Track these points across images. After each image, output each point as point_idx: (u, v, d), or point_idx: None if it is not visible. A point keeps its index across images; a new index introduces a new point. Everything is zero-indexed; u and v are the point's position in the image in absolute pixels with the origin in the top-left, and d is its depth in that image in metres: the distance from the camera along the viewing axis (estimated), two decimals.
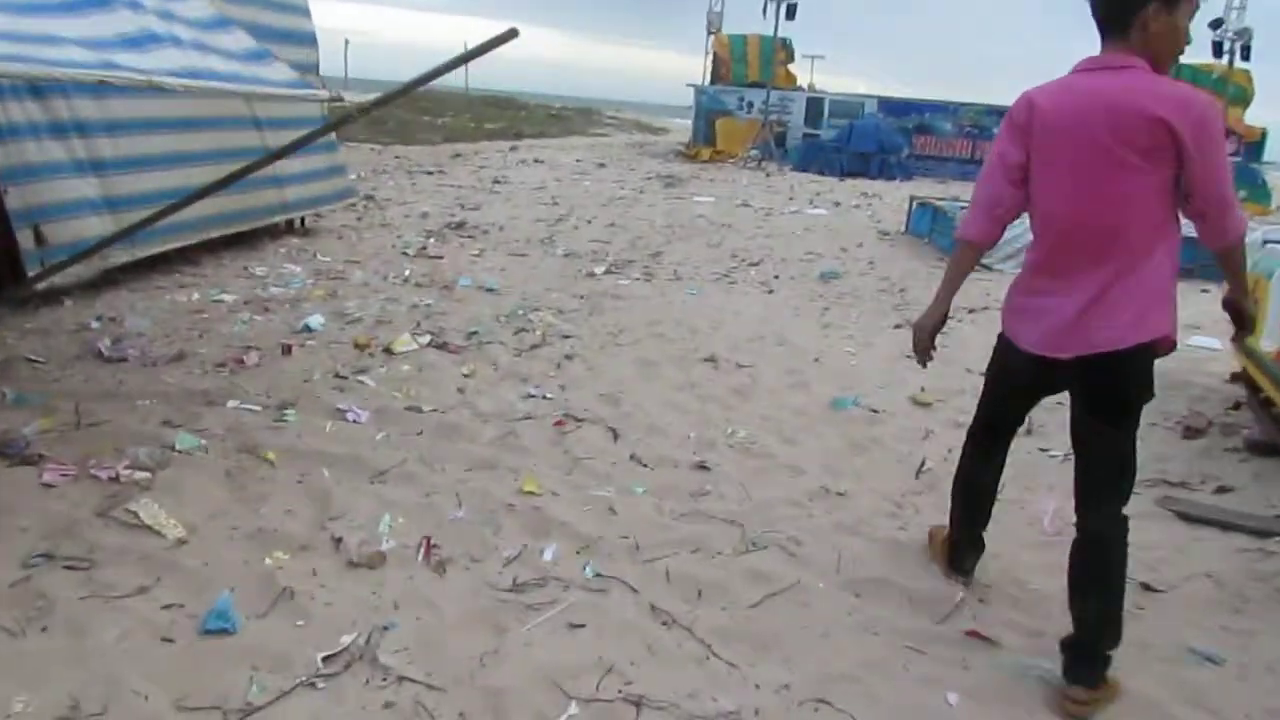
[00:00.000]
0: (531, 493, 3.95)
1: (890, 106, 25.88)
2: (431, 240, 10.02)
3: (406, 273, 8.03)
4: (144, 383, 4.89)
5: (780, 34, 25.04)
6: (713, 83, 28.14)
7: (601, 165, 20.97)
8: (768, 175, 21.62)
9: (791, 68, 27.87)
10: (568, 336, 6.42)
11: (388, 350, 5.75)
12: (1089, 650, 2.81)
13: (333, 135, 10.11)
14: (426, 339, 6.04)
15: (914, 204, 13.28)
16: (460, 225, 11.15)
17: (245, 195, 8.08)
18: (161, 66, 3.84)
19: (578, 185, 16.40)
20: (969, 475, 3.37)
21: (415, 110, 40.60)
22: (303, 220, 9.94)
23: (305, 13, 9.44)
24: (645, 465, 4.37)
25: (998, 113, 25.58)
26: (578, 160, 21.74)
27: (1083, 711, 2.75)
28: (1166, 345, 2.73)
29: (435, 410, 4.80)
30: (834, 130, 24.60)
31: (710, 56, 28.97)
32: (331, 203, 9.97)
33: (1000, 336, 3.08)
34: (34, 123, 6.26)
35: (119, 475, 3.70)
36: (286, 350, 5.60)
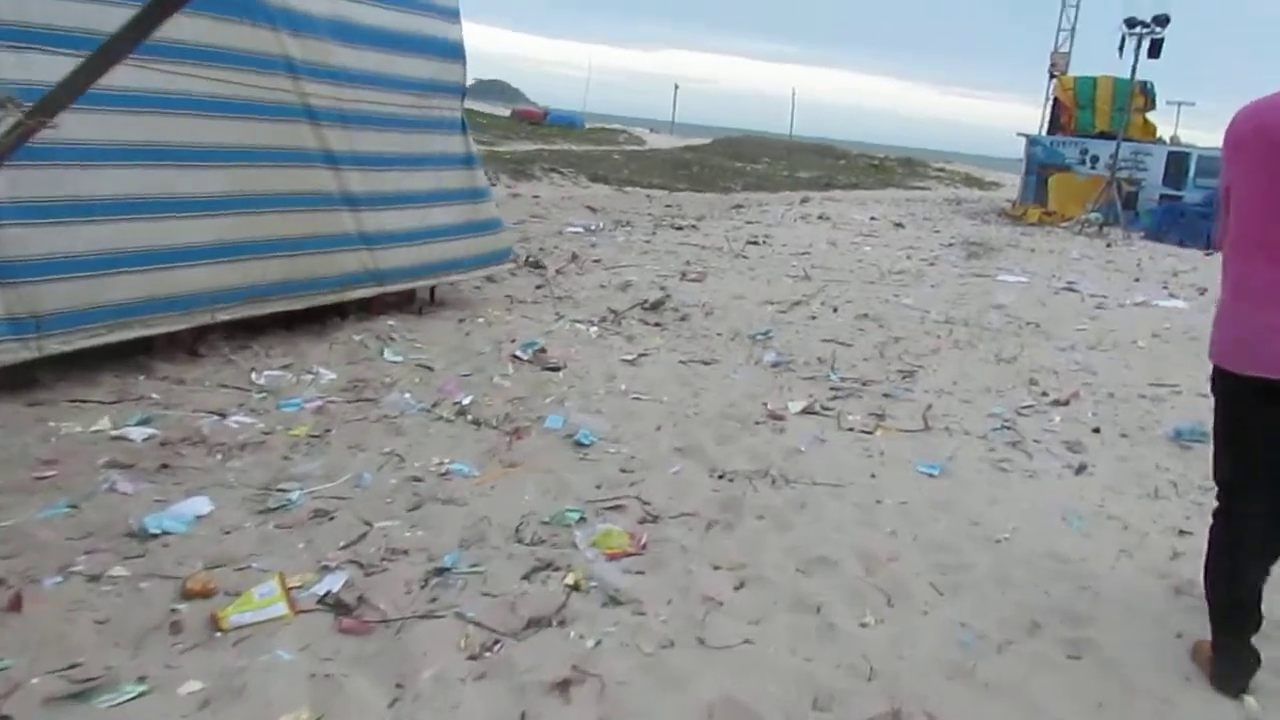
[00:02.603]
0: None
1: None
2: (595, 329, 7.09)
3: (469, 400, 5.09)
4: None
5: (1139, 75, 20.24)
6: (1051, 131, 23.60)
7: (899, 225, 17.30)
8: (1109, 245, 17.10)
9: (1151, 116, 22.77)
10: (616, 601, 3.18)
11: (216, 622, 2.80)
12: None
13: (482, 181, 7.43)
14: (323, 587, 3.04)
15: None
16: (657, 305, 8.16)
17: (300, 258, 5.54)
18: None
19: (853, 252, 12.95)
20: None
21: (732, 155, 38.56)
22: (432, 292, 7.33)
23: (445, 14, 6.84)
24: None
25: None
26: (872, 219, 18.18)
27: None
28: None
29: None
30: (1201, 192, 19.38)
31: (1050, 102, 24.44)
32: (467, 269, 7.25)
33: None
34: None
35: None
36: (15, 604, 2.79)
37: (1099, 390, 6.62)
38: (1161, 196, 20.27)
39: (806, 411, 5.51)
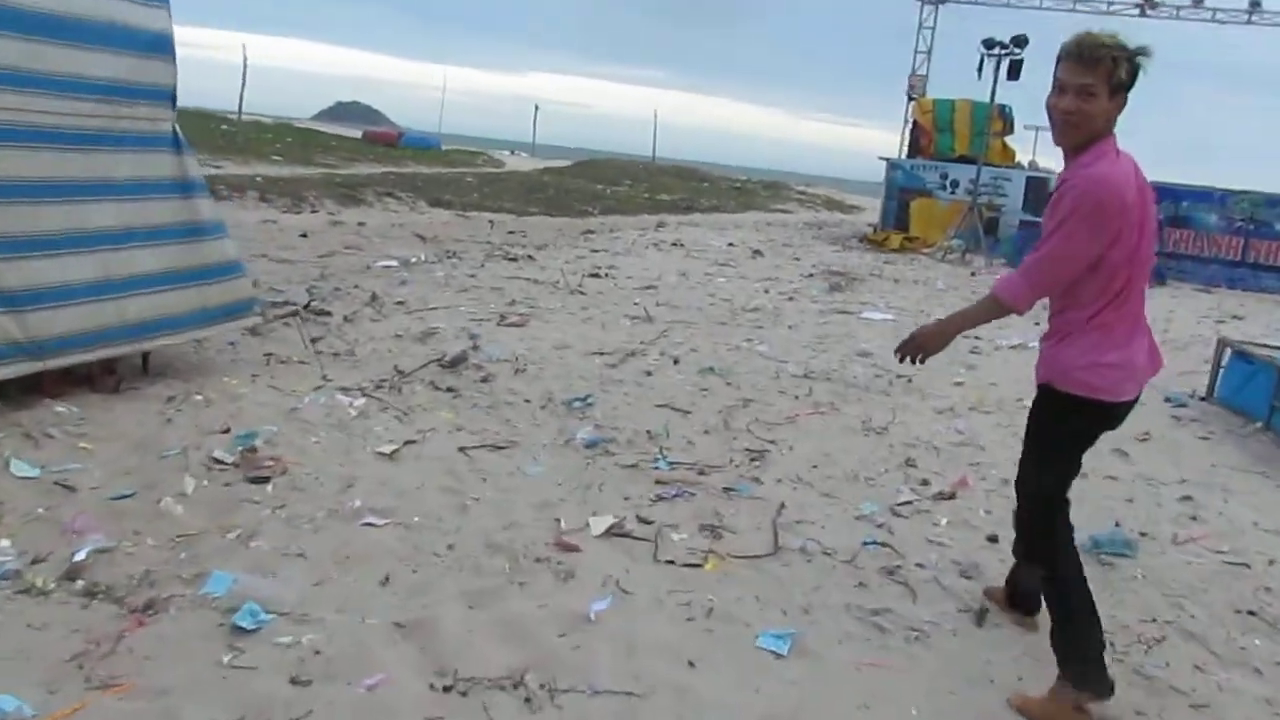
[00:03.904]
0: None
1: None
2: (360, 402, 5.42)
3: (94, 550, 3.33)
4: None
5: (998, 99, 19.59)
6: (911, 155, 22.88)
7: (757, 253, 16.03)
8: (973, 274, 16.23)
9: (1009, 141, 22.27)
10: None
11: None
12: None
13: (207, 213, 5.67)
14: None
15: (1225, 353, 7.77)
16: (457, 362, 6.53)
17: None
18: None
19: (706, 285, 11.53)
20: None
21: (592, 178, 37.13)
22: (145, 359, 5.52)
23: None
24: None
25: None
26: (730, 245, 16.89)
27: None
28: None
29: None
30: None
31: (909, 125, 23.77)
32: (184, 330, 5.47)
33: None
34: None
35: None
36: None
37: (989, 473, 5.27)
38: (1022, 223, 19.61)
39: (614, 533, 3.94)
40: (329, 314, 7.80)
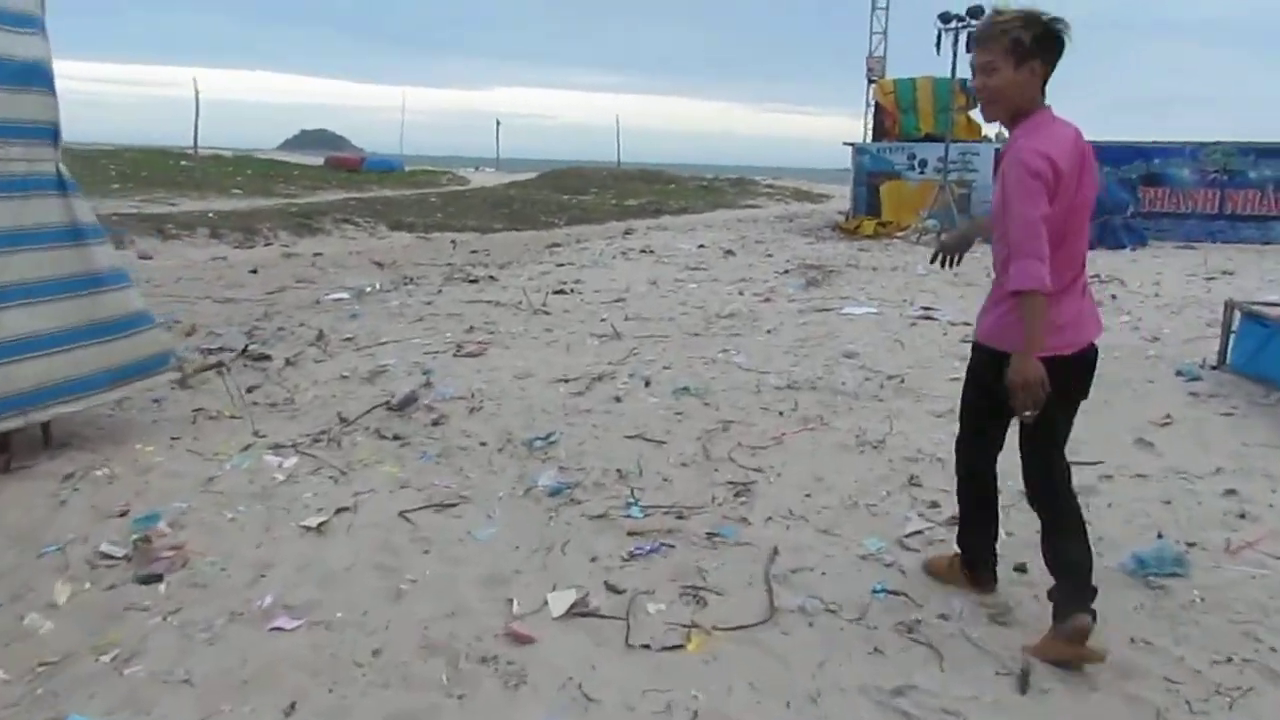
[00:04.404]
0: None
1: (1108, 153, 18.44)
2: (291, 462, 4.76)
3: None
4: None
5: (959, 74, 19.01)
6: (876, 138, 22.30)
7: (729, 253, 15.39)
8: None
9: (974, 115, 21.69)
10: None
11: None
12: None
13: (105, 261, 4.99)
14: None
15: (1235, 316, 7.17)
16: (407, 403, 5.88)
17: None
18: None
19: (677, 292, 10.88)
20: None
21: (557, 188, 36.48)
22: (45, 429, 4.84)
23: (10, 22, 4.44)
24: None
25: (1255, 151, 18.86)
26: (700, 247, 16.24)
27: None
28: None
29: None
30: None
31: (872, 109, 23.20)
32: (83, 395, 4.78)
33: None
34: None
35: None
36: None
37: (1004, 484, 4.64)
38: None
39: (577, 612, 3.29)
40: (268, 358, 7.12)
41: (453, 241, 17.30)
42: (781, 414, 5.89)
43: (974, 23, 17.50)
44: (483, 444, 5.28)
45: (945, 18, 17.91)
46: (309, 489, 4.42)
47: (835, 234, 19.92)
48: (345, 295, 10.18)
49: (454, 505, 4.35)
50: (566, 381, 6.61)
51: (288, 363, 7.03)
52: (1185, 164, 19.16)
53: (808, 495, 4.55)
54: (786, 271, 12.96)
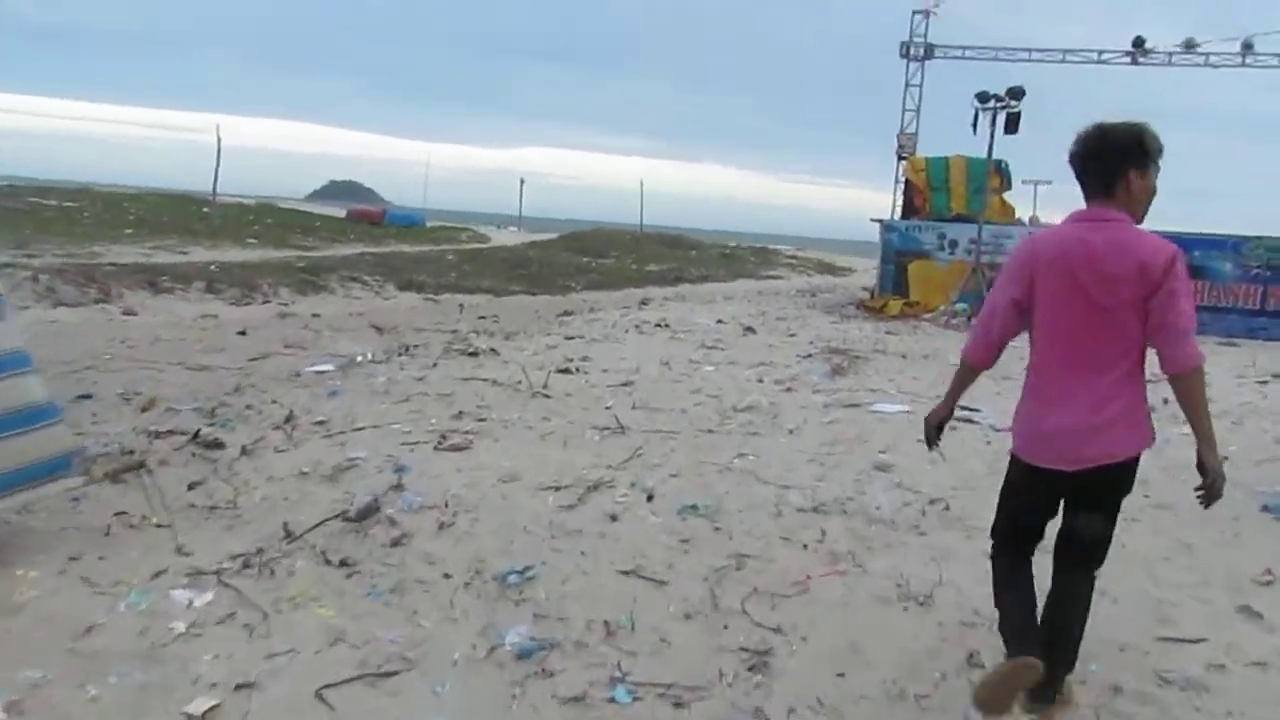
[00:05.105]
0: None
1: None
2: (200, 602, 3.85)
3: None
4: None
5: (994, 155, 18.25)
6: (905, 215, 21.54)
7: (749, 330, 14.52)
8: None
9: (1008, 197, 20.94)
10: None
11: None
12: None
13: (4, 344, 4.13)
14: None
15: None
16: (368, 514, 4.97)
17: None
18: None
19: (691, 377, 9.96)
20: None
21: (578, 250, 35.83)
22: None
23: None
24: None
25: None
26: (719, 321, 15.38)
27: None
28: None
29: None
30: None
31: (902, 185, 22.48)
32: None
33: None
34: None
35: None
36: None
37: (1100, 656, 3.66)
38: None
39: None
40: (221, 445, 6.23)
41: (461, 305, 16.51)
42: (806, 547, 4.94)
43: (1013, 103, 16.80)
44: (447, 576, 4.36)
45: (983, 97, 17.21)
46: (211, 648, 3.49)
47: (860, 312, 19.05)
48: (330, 367, 9.32)
49: (394, 675, 3.41)
50: (557, 490, 5.68)
51: (243, 452, 6.14)
52: (1227, 258, 18.29)
53: (840, 675, 3.60)
54: (810, 355, 12.04)
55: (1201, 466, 2.90)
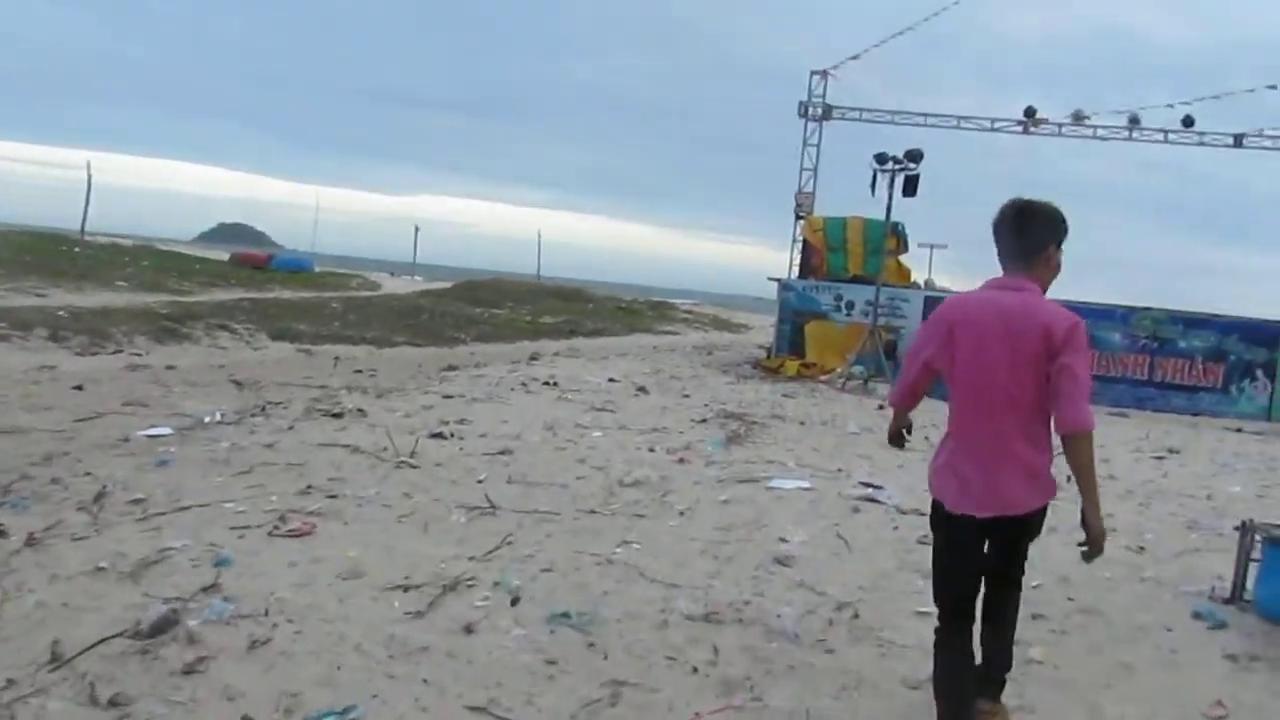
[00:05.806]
0: None
1: None
2: None
3: None
4: None
5: (892, 217, 18.06)
6: (802, 275, 21.25)
7: (642, 390, 13.80)
8: (881, 407, 14.23)
9: (904, 259, 20.82)
10: None
11: None
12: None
13: None
14: None
15: (1257, 541, 5.67)
16: (159, 631, 4.01)
17: None
18: None
19: (577, 443, 9.15)
20: None
21: (471, 300, 34.78)
22: None
23: None
24: None
25: (1184, 320, 18.23)
26: (611, 380, 14.63)
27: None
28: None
29: None
30: None
31: (799, 244, 22.23)
32: None
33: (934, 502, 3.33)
34: None
35: None
36: None
37: None
38: None
39: None
40: (3, 534, 5.16)
41: (336, 358, 15.41)
42: (696, 670, 4.14)
43: (911, 165, 16.63)
44: None
45: (881, 159, 17.01)
46: None
47: (756, 372, 18.58)
48: (166, 431, 8.21)
49: None
50: (406, 590, 4.80)
51: (29, 542, 5.08)
52: (1116, 327, 18.39)
53: None
54: (705, 420, 11.35)
55: (1085, 524, 3.09)
